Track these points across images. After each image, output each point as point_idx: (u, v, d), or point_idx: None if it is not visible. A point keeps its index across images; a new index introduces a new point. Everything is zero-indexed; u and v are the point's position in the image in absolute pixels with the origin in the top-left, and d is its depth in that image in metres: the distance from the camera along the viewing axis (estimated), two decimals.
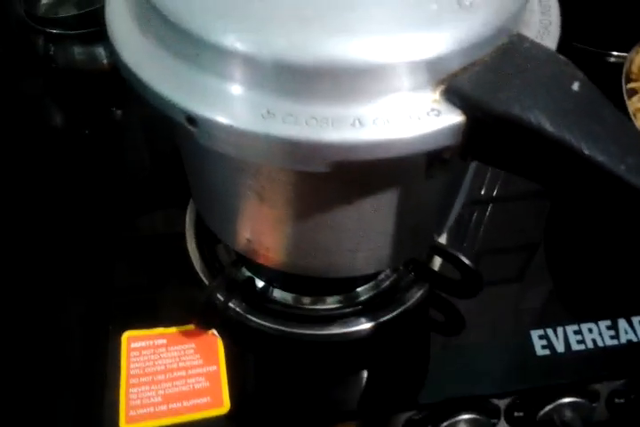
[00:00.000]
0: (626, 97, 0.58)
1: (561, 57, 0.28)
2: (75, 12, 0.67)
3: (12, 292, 0.51)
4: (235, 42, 0.25)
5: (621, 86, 0.59)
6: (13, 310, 0.50)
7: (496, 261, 0.56)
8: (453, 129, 0.27)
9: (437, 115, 0.27)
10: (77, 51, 0.67)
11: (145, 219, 0.57)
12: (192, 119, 0.27)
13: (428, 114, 0.27)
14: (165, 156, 0.62)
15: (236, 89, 0.27)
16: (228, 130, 0.26)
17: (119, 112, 0.68)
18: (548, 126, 0.25)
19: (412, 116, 0.27)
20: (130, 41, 0.29)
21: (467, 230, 0.57)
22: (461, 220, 0.57)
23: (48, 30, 0.65)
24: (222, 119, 0.26)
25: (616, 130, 0.26)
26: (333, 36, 0.25)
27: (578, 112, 0.26)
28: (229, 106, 0.26)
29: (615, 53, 0.73)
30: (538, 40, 0.30)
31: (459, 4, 0.27)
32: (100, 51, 0.67)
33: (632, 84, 0.61)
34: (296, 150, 0.26)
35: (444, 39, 0.26)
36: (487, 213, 0.59)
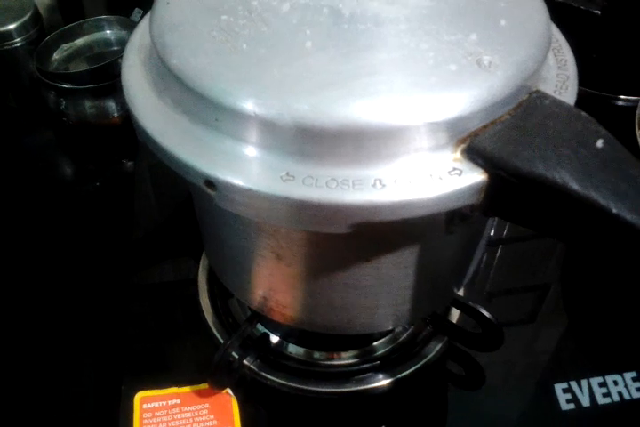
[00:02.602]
0: None
1: (583, 113, 0.28)
2: (85, 67, 0.68)
3: (21, 349, 0.50)
4: (255, 106, 0.25)
5: (634, 131, 0.58)
6: (23, 370, 0.49)
7: (511, 306, 0.55)
8: (475, 188, 0.27)
9: (459, 174, 0.26)
10: (88, 105, 0.67)
11: (156, 272, 0.56)
12: (210, 183, 0.26)
13: (449, 173, 0.26)
14: (177, 206, 0.62)
15: (255, 152, 0.26)
16: (248, 193, 0.26)
17: (130, 164, 0.69)
18: (573, 185, 0.25)
19: (433, 176, 0.26)
20: (147, 104, 0.29)
21: (477, 273, 0.56)
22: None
23: (60, 85, 0.65)
24: (241, 183, 0.26)
25: None
26: (354, 99, 0.25)
27: (603, 170, 0.26)
28: (248, 169, 0.26)
29: (623, 97, 0.73)
30: (557, 95, 0.30)
31: (478, 64, 0.27)
32: (111, 104, 0.68)
33: None
34: (317, 213, 0.26)
35: (464, 99, 0.26)
36: (497, 255, 0.58)
